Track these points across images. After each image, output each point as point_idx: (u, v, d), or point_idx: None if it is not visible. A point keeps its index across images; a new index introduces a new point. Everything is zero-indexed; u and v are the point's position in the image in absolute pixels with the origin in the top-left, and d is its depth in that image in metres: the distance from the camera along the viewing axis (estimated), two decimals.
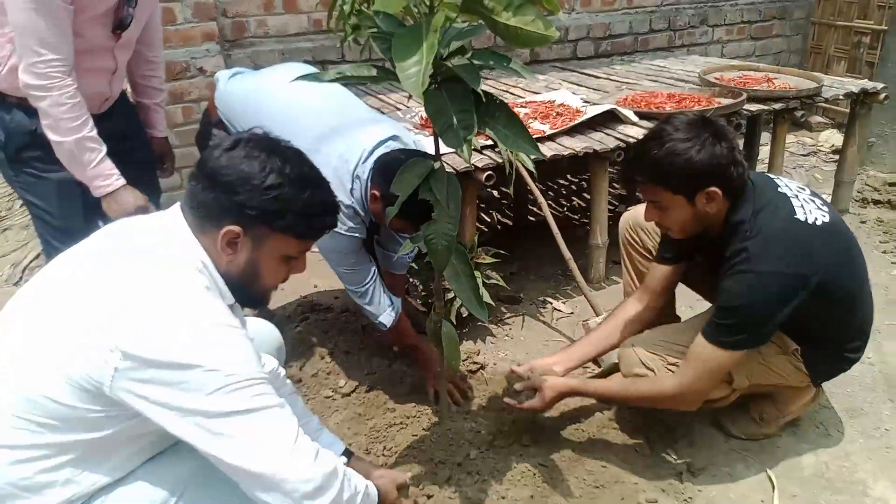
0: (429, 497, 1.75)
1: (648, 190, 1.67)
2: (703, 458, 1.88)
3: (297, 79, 1.45)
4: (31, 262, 3.31)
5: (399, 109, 3.05)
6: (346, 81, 1.47)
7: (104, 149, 1.78)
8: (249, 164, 1.18)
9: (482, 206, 3.66)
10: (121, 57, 1.94)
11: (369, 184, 1.84)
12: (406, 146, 1.93)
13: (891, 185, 3.69)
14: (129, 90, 2.24)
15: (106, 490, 1.18)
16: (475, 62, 1.36)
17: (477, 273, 2.38)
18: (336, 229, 1.82)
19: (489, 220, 3.59)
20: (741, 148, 3.64)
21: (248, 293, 1.27)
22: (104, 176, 1.79)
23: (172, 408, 1.07)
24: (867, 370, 2.22)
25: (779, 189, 1.69)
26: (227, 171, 1.17)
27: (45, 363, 1.09)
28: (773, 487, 1.78)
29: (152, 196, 2.18)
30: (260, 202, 1.17)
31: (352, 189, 1.87)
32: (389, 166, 1.80)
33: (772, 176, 1.80)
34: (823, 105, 4.66)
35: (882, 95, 3.22)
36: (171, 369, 1.06)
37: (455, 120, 1.33)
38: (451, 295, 2.33)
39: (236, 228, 1.18)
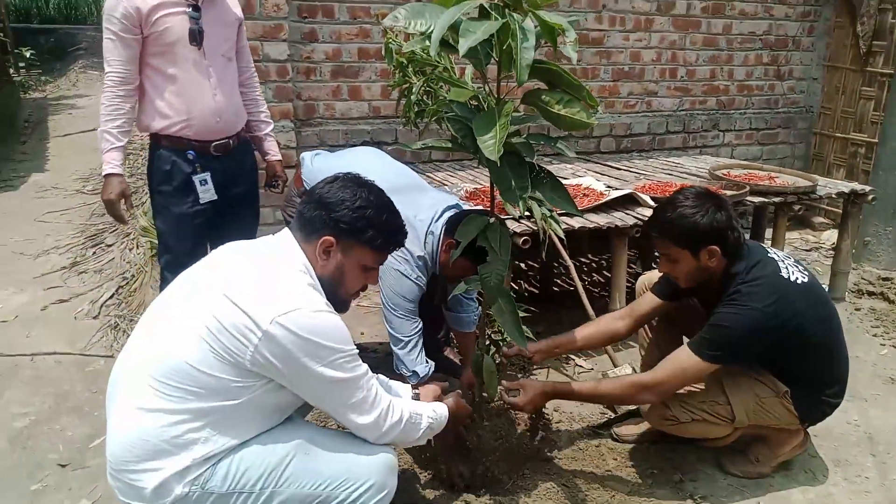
0: None
1: (661, 244, 2.06)
2: (704, 489, 2.16)
3: (388, 150, 1.88)
4: (106, 299, 3.72)
5: (445, 184, 3.49)
6: (428, 150, 1.90)
7: (119, 143, 2.34)
8: (344, 192, 1.61)
9: (512, 275, 4.03)
10: (217, 70, 2.43)
11: (443, 237, 2.24)
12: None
13: (884, 279, 4.06)
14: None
15: (234, 450, 1.49)
16: (531, 141, 1.79)
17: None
18: (406, 275, 2.22)
19: (517, 287, 3.95)
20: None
21: (335, 297, 1.61)
22: (107, 161, 2.33)
23: (296, 374, 1.45)
24: (853, 430, 2.51)
25: (769, 254, 2.07)
26: (329, 195, 1.60)
27: (198, 342, 1.44)
28: None
29: (252, 224, 2.68)
30: (351, 218, 1.58)
31: (425, 242, 2.27)
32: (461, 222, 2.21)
33: (764, 245, 2.20)
34: (825, 207, 5.09)
35: (870, 196, 3.63)
36: (299, 345, 1.42)
37: (513, 183, 1.73)
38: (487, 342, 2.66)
39: (331, 238, 1.58)
